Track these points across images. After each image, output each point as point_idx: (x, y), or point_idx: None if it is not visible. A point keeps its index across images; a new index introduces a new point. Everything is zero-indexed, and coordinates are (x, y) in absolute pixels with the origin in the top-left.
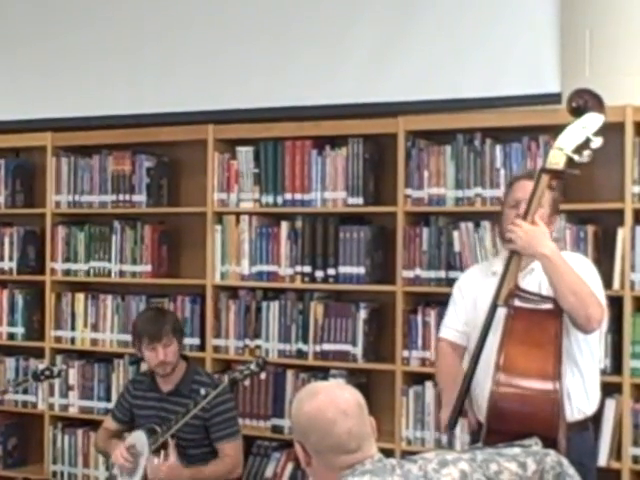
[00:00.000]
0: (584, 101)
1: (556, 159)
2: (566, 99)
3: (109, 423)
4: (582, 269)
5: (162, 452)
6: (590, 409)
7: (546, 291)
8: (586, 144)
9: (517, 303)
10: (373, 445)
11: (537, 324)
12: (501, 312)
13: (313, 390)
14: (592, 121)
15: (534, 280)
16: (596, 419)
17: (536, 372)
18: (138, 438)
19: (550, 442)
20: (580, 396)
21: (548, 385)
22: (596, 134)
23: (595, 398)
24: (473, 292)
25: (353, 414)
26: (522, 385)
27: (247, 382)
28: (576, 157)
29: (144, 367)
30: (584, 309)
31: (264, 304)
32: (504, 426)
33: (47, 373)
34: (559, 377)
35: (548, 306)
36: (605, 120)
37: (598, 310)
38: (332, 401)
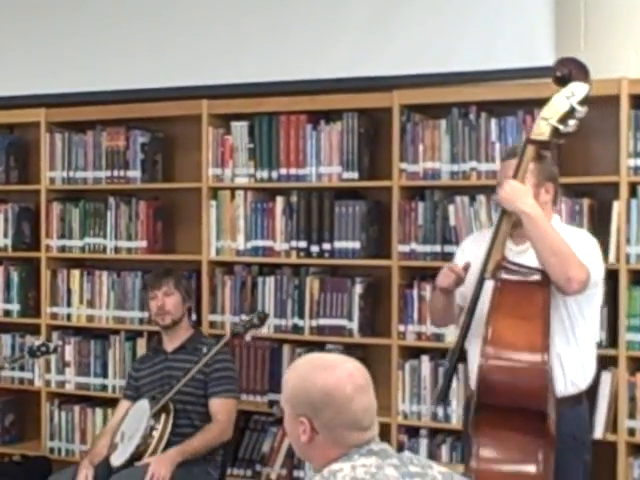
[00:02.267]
0: (568, 70)
1: (541, 129)
2: (553, 68)
3: (123, 403)
4: (580, 242)
5: (162, 415)
6: (585, 383)
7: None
8: (571, 113)
9: (504, 276)
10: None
11: (525, 296)
12: (489, 284)
13: (325, 363)
14: (577, 90)
15: (532, 256)
16: (592, 392)
17: (524, 344)
18: (140, 405)
19: (539, 415)
20: (575, 370)
21: (536, 357)
22: (581, 103)
23: (590, 372)
24: (472, 256)
25: (368, 390)
26: (510, 357)
27: (248, 337)
28: (561, 127)
29: (140, 343)
30: (564, 270)
31: (260, 279)
32: (494, 399)
33: (43, 349)
34: (547, 349)
35: (536, 277)
36: (589, 89)
37: (580, 271)
38: (350, 375)
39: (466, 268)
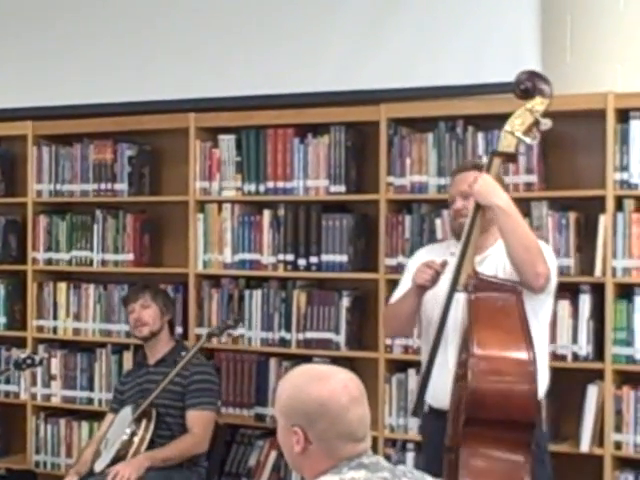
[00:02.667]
0: (532, 83)
1: (507, 141)
2: (514, 82)
3: (109, 416)
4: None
5: (143, 421)
6: (541, 391)
7: (503, 274)
8: (536, 125)
9: (479, 291)
10: None
11: (502, 309)
12: (459, 296)
13: (320, 374)
14: (540, 103)
15: (490, 266)
16: (578, 405)
17: (511, 357)
18: (123, 413)
19: (529, 426)
20: None
21: (524, 368)
22: (544, 116)
23: (544, 379)
24: None
25: (363, 401)
26: (499, 370)
27: (223, 338)
28: (527, 140)
29: (127, 357)
30: (534, 265)
31: (247, 292)
32: (484, 414)
33: (29, 362)
34: (534, 359)
35: (509, 289)
36: (551, 101)
37: (545, 267)
38: (345, 387)
39: (444, 265)
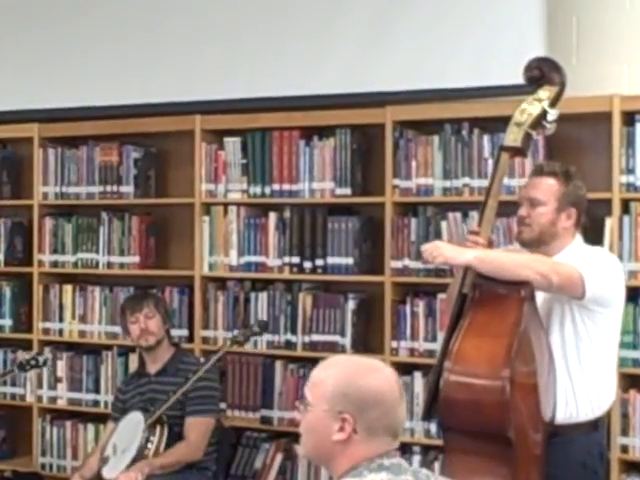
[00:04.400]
0: (539, 71)
1: (514, 135)
2: (523, 69)
3: (110, 425)
4: (588, 257)
5: (157, 427)
6: (593, 411)
7: None
8: (543, 117)
9: (480, 290)
10: None
11: (497, 312)
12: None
13: (373, 365)
14: (548, 93)
15: None
16: None
17: (484, 362)
18: (133, 417)
19: (503, 440)
20: (581, 396)
21: (495, 374)
22: (552, 105)
23: (600, 399)
24: None
25: (404, 399)
26: (469, 374)
27: (248, 345)
28: (534, 132)
29: (132, 359)
30: (535, 271)
31: (252, 295)
32: (454, 420)
33: (32, 363)
34: (508, 366)
35: (511, 291)
36: (561, 90)
37: (550, 266)
38: (396, 381)
39: (491, 243)
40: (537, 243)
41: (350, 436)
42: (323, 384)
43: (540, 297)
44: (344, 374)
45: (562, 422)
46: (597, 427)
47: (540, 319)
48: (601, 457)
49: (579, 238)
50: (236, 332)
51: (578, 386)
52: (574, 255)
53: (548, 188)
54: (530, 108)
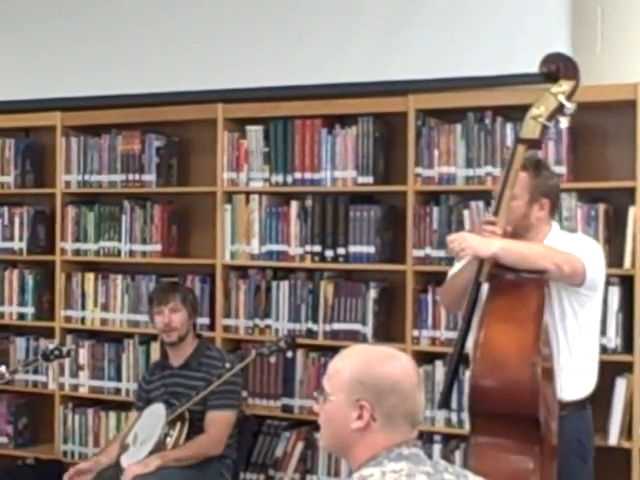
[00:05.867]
0: (556, 66)
1: (531, 128)
2: (539, 64)
3: (133, 414)
4: (577, 245)
5: (178, 424)
6: (580, 391)
7: None
8: (560, 110)
9: (500, 278)
10: None
11: (518, 299)
12: (485, 288)
13: (390, 353)
14: (564, 87)
15: None
16: (606, 398)
17: (514, 349)
18: (156, 409)
19: (532, 421)
20: (569, 377)
21: (526, 360)
22: (569, 99)
23: (586, 381)
24: None
25: (422, 387)
26: (500, 362)
27: (272, 359)
28: (551, 125)
29: (154, 347)
30: (551, 262)
31: (274, 284)
32: (485, 406)
33: (56, 353)
34: (538, 352)
35: (530, 279)
36: (577, 84)
37: (562, 257)
38: (414, 369)
39: (506, 233)
40: (514, 236)
41: (369, 424)
42: (340, 374)
43: None
44: (360, 363)
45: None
46: (585, 406)
47: None
48: (591, 434)
49: (556, 225)
50: (265, 345)
51: (567, 368)
52: (559, 243)
53: (520, 182)
54: (547, 102)
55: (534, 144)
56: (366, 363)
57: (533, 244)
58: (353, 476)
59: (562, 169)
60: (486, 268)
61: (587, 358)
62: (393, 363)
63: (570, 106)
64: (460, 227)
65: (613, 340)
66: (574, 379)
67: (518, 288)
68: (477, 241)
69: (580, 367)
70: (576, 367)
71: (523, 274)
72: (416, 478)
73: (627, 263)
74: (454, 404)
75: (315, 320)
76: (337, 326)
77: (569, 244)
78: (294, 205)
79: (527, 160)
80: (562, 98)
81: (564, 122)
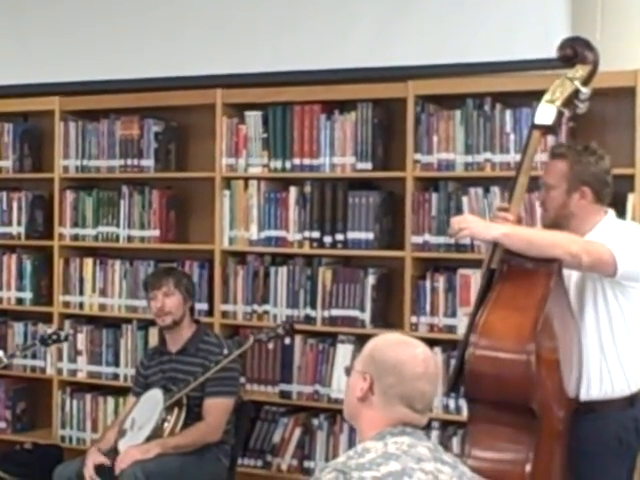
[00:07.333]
0: (573, 50)
1: (546, 113)
2: (556, 48)
3: (131, 399)
4: (619, 233)
5: (175, 409)
6: (628, 386)
7: None
8: (575, 95)
9: (509, 263)
10: None
11: (525, 285)
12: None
13: (409, 341)
14: (580, 72)
15: None
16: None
17: (511, 335)
18: (153, 395)
19: (526, 411)
20: (615, 371)
21: (521, 348)
22: (585, 84)
23: (634, 375)
24: None
25: (434, 381)
26: (494, 347)
27: (270, 345)
28: (566, 111)
29: (152, 333)
30: (566, 251)
31: (272, 269)
32: (479, 391)
33: (54, 337)
34: (533, 340)
35: (538, 267)
36: (593, 69)
37: (581, 245)
38: (424, 360)
39: (520, 220)
40: (556, 226)
41: (367, 395)
42: (365, 349)
43: (575, 275)
44: (379, 342)
45: (597, 398)
46: (633, 403)
47: (567, 296)
48: (637, 432)
49: (611, 213)
50: (263, 331)
51: (612, 363)
52: (606, 232)
53: (557, 171)
54: (563, 86)
55: (549, 130)
56: (382, 343)
57: (547, 231)
58: (357, 446)
59: None
60: (497, 254)
61: (635, 354)
62: (404, 347)
63: (585, 91)
64: (459, 213)
65: None
66: (620, 376)
67: (524, 275)
68: (477, 223)
69: (626, 362)
70: (623, 363)
71: (530, 262)
72: (417, 449)
73: None
74: None
75: (313, 306)
76: (335, 312)
77: (612, 234)
78: (293, 191)
79: (565, 148)
80: (578, 83)
81: (582, 108)
